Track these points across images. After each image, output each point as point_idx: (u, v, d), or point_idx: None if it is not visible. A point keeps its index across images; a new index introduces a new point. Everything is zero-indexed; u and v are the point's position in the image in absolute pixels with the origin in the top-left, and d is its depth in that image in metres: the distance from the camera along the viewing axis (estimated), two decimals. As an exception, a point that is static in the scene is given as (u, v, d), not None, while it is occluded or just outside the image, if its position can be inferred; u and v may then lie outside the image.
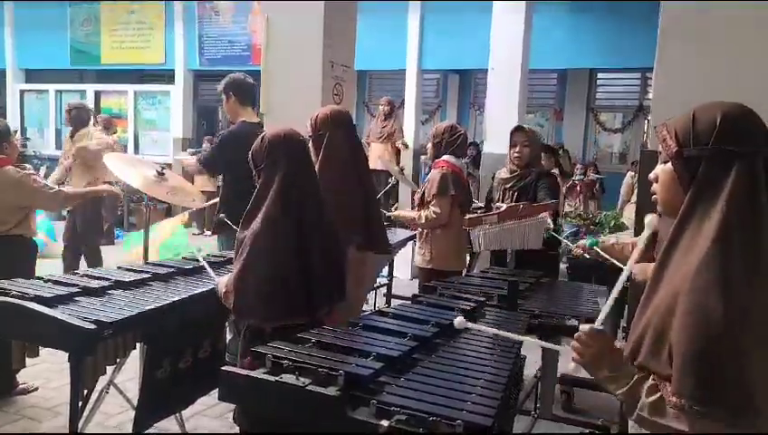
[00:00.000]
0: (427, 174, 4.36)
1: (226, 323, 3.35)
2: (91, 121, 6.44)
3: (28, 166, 4.15)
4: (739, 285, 1.21)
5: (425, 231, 3.97)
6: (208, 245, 5.42)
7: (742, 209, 1.26)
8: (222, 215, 3.59)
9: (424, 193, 3.94)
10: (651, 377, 1.32)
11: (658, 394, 1.29)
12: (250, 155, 2.46)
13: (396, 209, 5.33)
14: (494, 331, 2.02)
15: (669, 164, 1.39)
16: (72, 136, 6.21)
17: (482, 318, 2.61)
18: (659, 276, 1.35)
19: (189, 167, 4.06)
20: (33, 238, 3.99)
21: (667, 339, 1.27)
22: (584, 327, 1.45)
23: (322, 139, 2.81)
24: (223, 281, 2.56)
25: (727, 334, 1.19)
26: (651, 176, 1.48)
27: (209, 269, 2.99)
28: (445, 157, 3.93)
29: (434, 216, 3.80)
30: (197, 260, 3.28)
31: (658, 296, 1.34)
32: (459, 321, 1.64)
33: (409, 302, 2.83)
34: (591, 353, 1.41)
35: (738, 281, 1.21)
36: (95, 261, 5.89)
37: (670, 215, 1.39)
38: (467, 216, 3.76)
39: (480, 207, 4.30)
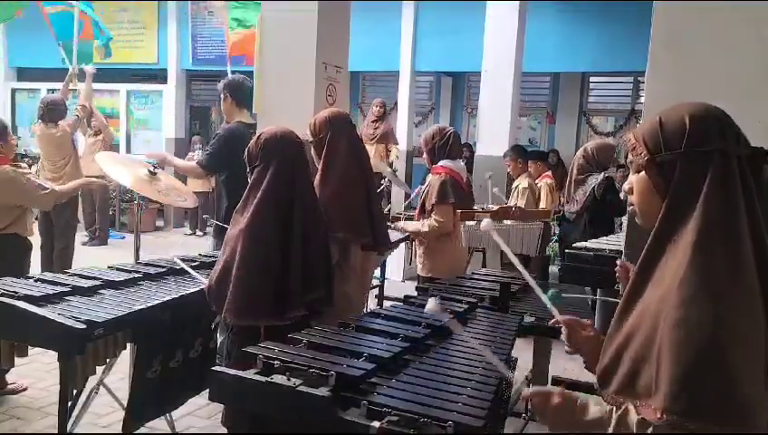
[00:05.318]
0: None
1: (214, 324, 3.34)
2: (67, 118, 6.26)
3: (23, 165, 4.13)
4: (724, 291, 1.17)
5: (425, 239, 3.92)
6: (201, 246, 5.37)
7: (719, 212, 1.21)
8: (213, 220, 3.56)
9: (425, 201, 3.90)
10: (629, 406, 1.26)
11: (651, 430, 1.21)
12: (246, 152, 2.47)
13: (390, 211, 5.32)
14: (461, 328, 1.99)
15: (643, 173, 1.34)
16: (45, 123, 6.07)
17: (473, 320, 2.61)
18: (638, 291, 1.30)
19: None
20: (28, 238, 3.98)
21: (650, 358, 1.22)
22: (529, 391, 1.43)
23: (323, 142, 2.77)
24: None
25: (717, 345, 1.14)
26: (626, 187, 1.43)
27: (193, 272, 2.98)
28: (441, 162, 3.90)
29: (436, 224, 3.76)
30: (177, 263, 3.22)
31: (634, 315, 1.29)
32: (432, 304, 1.55)
33: (401, 303, 2.82)
34: (552, 415, 1.37)
35: (722, 287, 1.17)
36: (65, 262, 5.57)
37: (650, 225, 1.33)
38: (459, 210, 3.74)
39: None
